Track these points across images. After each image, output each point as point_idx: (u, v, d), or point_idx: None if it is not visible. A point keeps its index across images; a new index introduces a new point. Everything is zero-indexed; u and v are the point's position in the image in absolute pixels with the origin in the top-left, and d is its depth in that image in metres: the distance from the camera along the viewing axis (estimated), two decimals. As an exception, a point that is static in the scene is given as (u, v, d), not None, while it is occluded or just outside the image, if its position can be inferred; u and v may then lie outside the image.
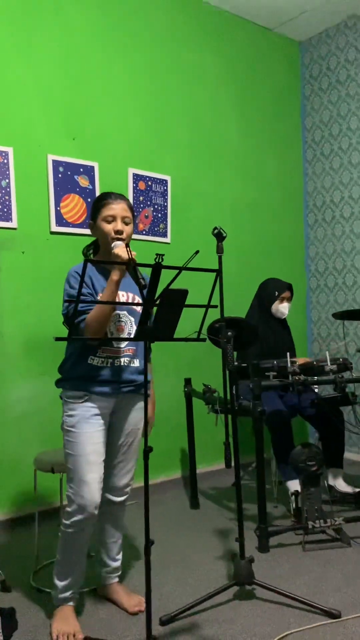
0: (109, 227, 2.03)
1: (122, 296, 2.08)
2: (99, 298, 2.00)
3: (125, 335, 2.06)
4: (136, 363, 2.09)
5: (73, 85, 3.37)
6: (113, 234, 2.02)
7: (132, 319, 2.08)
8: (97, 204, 2.09)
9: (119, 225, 2.03)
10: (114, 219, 2.03)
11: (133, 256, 1.85)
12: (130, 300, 2.09)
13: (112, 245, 1.98)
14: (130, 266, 1.82)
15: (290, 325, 3.65)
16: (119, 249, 1.94)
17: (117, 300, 2.01)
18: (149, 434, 2.02)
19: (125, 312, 2.07)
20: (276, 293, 3.43)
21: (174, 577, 2.44)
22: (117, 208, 2.04)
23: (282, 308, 3.44)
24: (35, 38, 3.22)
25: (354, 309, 4.13)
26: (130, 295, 2.11)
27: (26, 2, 3.18)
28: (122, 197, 2.09)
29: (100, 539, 2.23)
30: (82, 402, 2.02)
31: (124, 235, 2.03)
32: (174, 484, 3.75)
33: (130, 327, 2.07)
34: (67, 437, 2.03)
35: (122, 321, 2.06)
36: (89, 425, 2.01)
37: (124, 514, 2.25)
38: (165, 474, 3.75)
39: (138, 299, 2.10)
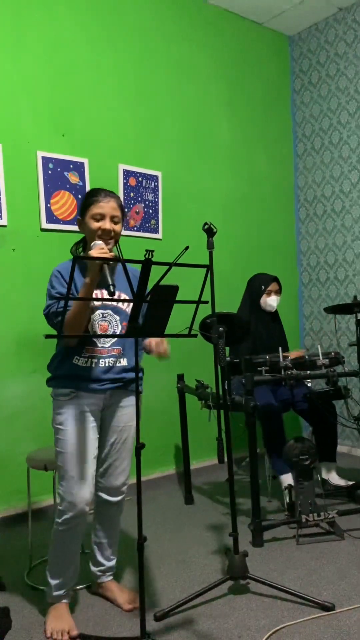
0: (96, 225, 2.00)
1: (107, 295, 2.05)
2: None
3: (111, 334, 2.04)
4: (123, 362, 2.06)
5: (62, 80, 3.35)
6: (100, 232, 2.00)
7: (118, 317, 2.05)
8: (86, 201, 2.05)
9: (107, 224, 2.00)
10: (102, 217, 2.00)
11: (110, 257, 1.85)
12: (118, 298, 2.07)
13: (91, 244, 1.97)
14: (104, 266, 1.82)
15: (282, 319, 3.66)
16: (95, 250, 1.92)
17: (101, 298, 2.00)
18: (165, 355, 1.98)
19: (109, 311, 2.04)
20: (262, 287, 3.44)
21: (168, 573, 2.44)
22: (106, 207, 2.00)
23: (270, 301, 3.45)
24: (22, 33, 3.19)
25: (346, 302, 4.14)
26: (117, 293, 2.07)
27: (13, -3, 3.16)
28: (112, 194, 2.06)
29: (95, 538, 2.22)
30: (70, 400, 2.01)
31: (112, 235, 2.01)
32: (167, 479, 3.76)
33: (115, 326, 2.05)
34: (57, 435, 2.03)
35: (106, 320, 2.04)
36: (77, 422, 2.00)
37: (120, 514, 2.24)
38: (159, 470, 3.76)
39: (125, 297, 2.09)
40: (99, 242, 1.96)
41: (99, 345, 2.02)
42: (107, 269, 1.84)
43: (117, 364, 2.05)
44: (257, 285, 3.47)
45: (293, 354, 3.28)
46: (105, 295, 2.05)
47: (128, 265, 1.75)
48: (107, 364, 2.03)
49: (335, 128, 4.35)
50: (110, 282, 1.79)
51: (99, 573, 2.23)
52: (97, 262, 1.86)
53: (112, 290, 1.79)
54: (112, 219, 2.02)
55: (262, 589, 2.22)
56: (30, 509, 2.65)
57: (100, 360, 2.02)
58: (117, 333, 2.04)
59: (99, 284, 1.98)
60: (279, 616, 2.04)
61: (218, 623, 2.02)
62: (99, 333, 2.01)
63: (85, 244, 2.16)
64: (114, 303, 2.04)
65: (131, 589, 2.25)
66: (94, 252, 1.91)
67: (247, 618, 2.05)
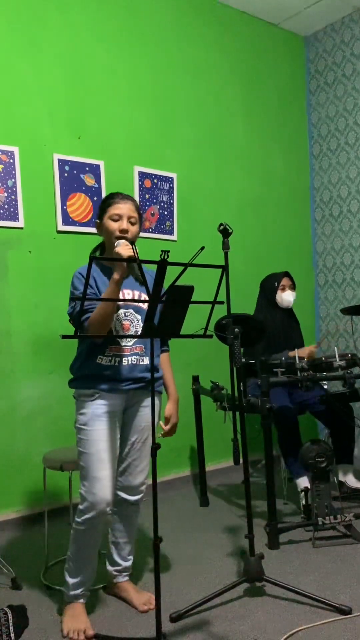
0: (114, 226, 2.05)
1: (128, 294, 2.08)
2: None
3: (131, 334, 2.06)
4: (145, 361, 2.08)
5: (77, 83, 3.37)
6: (117, 232, 2.03)
7: (139, 317, 2.08)
8: (104, 203, 2.12)
9: (125, 224, 2.05)
10: (120, 217, 2.05)
11: (136, 253, 1.86)
12: (135, 298, 2.10)
13: (115, 243, 2.00)
14: (133, 264, 1.82)
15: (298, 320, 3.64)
16: (121, 247, 1.94)
17: (121, 299, 2.03)
18: (172, 433, 2.09)
19: (131, 311, 2.07)
20: (275, 283, 3.45)
21: (183, 574, 2.44)
22: (123, 207, 2.06)
23: (285, 296, 3.45)
24: (39, 37, 3.22)
25: (363, 304, 4.11)
26: (137, 293, 2.11)
27: (30, 1, 3.18)
28: (129, 197, 2.11)
29: (112, 537, 2.23)
30: (93, 400, 2.03)
31: (129, 235, 2.05)
32: (183, 481, 3.75)
33: (137, 325, 2.07)
34: (80, 435, 2.05)
35: (128, 319, 2.06)
36: (100, 422, 2.01)
37: (138, 514, 2.24)
38: (174, 472, 3.76)
39: (144, 297, 2.10)
40: (122, 241, 1.99)
41: (122, 344, 2.04)
42: (136, 266, 1.85)
43: (140, 362, 2.07)
44: (270, 283, 3.49)
45: (305, 350, 3.26)
46: (137, 292, 2.09)
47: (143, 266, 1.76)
48: (130, 362, 2.05)
49: (352, 128, 4.32)
50: (140, 278, 1.80)
51: (115, 573, 2.24)
52: (124, 259, 1.89)
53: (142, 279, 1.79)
54: (129, 220, 2.06)
55: (278, 591, 2.21)
56: (47, 509, 2.67)
57: (124, 359, 2.04)
58: (139, 333, 2.06)
59: (127, 283, 2.04)
60: (295, 619, 2.03)
61: (234, 625, 2.01)
62: (122, 331, 2.04)
63: (103, 247, 2.19)
64: (136, 302, 2.07)
65: (147, 590, 2.25)
66: (119, 249, 1.93)
67: (263, 621, 2.03)
